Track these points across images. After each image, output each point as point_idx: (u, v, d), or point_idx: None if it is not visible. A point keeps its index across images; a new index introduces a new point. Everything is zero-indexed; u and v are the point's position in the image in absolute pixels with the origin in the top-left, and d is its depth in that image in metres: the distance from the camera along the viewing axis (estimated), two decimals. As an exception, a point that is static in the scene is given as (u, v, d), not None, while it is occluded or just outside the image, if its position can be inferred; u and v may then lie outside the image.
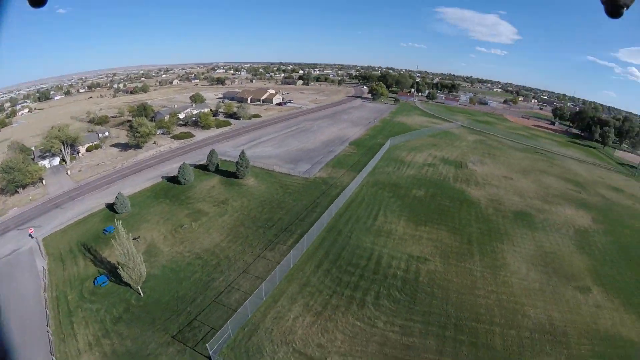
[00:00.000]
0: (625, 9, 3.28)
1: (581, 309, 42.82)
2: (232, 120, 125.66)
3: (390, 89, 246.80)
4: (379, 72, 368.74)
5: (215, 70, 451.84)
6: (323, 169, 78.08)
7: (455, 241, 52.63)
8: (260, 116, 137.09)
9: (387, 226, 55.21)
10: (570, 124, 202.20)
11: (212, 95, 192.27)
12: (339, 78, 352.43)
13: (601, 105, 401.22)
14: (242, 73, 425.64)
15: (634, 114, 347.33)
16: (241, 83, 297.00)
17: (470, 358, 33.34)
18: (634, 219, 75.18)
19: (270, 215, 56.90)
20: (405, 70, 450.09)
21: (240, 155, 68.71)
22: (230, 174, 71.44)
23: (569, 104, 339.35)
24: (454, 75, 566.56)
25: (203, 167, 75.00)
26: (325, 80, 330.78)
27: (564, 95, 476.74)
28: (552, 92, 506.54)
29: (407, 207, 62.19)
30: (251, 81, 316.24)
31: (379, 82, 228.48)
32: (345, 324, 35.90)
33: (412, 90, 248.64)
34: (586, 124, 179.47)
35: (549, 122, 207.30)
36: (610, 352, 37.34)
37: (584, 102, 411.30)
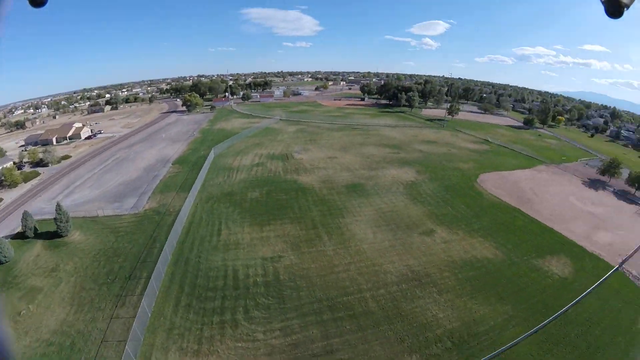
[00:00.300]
0: (625, 9, 3.75)
1: (433, 249, 54.01)
2: (40, 169, 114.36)
3: (204, 97, 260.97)
4: (190, 82, 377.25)
5: (13, 113, 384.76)
6: (151, 198, 77.05)
7: (302, 230, 58.75)
8: (70, 156, 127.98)
9: (232, 237, 57.78)
10: (379, 97, 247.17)
11: (14, 144, 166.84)
12: (150, 95, 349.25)
13: (403, 75, 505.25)
14: (44, 110, 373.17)
15: (433, 76, 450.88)
16: (43, 122, 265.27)
17: (354, 329, 38.13)
18: (452, 162, 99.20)
19: (110, 267, 53.66)
20: (217, 75, 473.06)
21: (57, 210, 64.13)
22: (52, 234, 65.27)
23: (374, 79, 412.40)
24: (265, 72, 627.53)
25: (21, 236, 66.88)
26: (135, 100, 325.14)
27: (369, 72, 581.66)
28: (358, 72, 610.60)
29: (247, 213, 66.04)
30: (54, 117, 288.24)
31: (192, 92, 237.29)
32: (227, 351, 36.85)
33: (227, 94, 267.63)
34: (392, 94, 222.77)
35: (360, 99, 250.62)
36: (473, 273, 48.78)
37: (387, 75, 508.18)
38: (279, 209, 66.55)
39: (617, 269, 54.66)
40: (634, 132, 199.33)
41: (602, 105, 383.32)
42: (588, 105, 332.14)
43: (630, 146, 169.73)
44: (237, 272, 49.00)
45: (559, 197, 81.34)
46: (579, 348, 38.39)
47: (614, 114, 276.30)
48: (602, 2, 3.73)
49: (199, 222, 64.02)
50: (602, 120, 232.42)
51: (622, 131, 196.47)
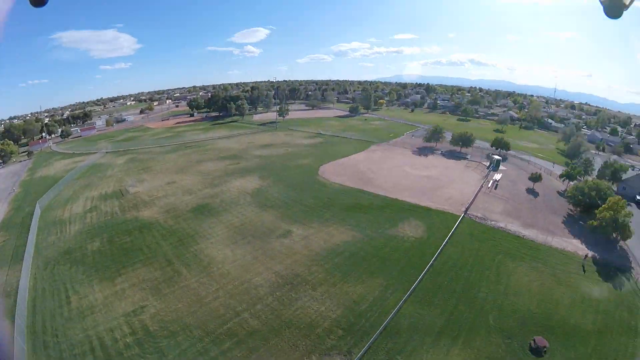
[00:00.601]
0: (625, 9, 3.87)
1: (294, 248, 55.34)
2: None
3: (19, 142, 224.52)
4: (2, 128, 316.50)
5: None
6: (-17, 281, 61.34)
7: (156, 270, 53.54)
8: None
9: (85, 302, 49.47)
10: (208, 110, 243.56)
11: None
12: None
13: (230, 84, 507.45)
14: None
15: (260, 82, 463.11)
16: None
17: (246, 354, 36.67)
18: (291, 160, 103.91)
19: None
20: (31, 114, 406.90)
21: None
22: None
23: (201, 93, 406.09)
24: (84, 102, 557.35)
25: None
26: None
27: (194, 87, 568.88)
28: (183, 88, 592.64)
29: (92, 268, 57.23)
30: None
31: (4, 140, 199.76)
32: None
33: (43, 134, 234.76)
34: (221, 105, 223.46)
35: (189, 115, 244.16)
36: (338, 260, 51.57)
37: (214, 87, 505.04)
38: (126, 255, 59.32)
39: (464, 216, 63.66)
40: (448, 100, 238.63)
41: (417, 83, 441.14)
42: (404, 86, 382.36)
43: (447, 112, 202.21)
44: (103, 339, 42.21)
45: (395, 170, 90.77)
46: (456, 291, 43.80)
47: (429, 89, 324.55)
48: (602, 3, 3.89)
49: (43, 295, 53.50)
50: (419, 96, 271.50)
51: (438, 102, 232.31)
